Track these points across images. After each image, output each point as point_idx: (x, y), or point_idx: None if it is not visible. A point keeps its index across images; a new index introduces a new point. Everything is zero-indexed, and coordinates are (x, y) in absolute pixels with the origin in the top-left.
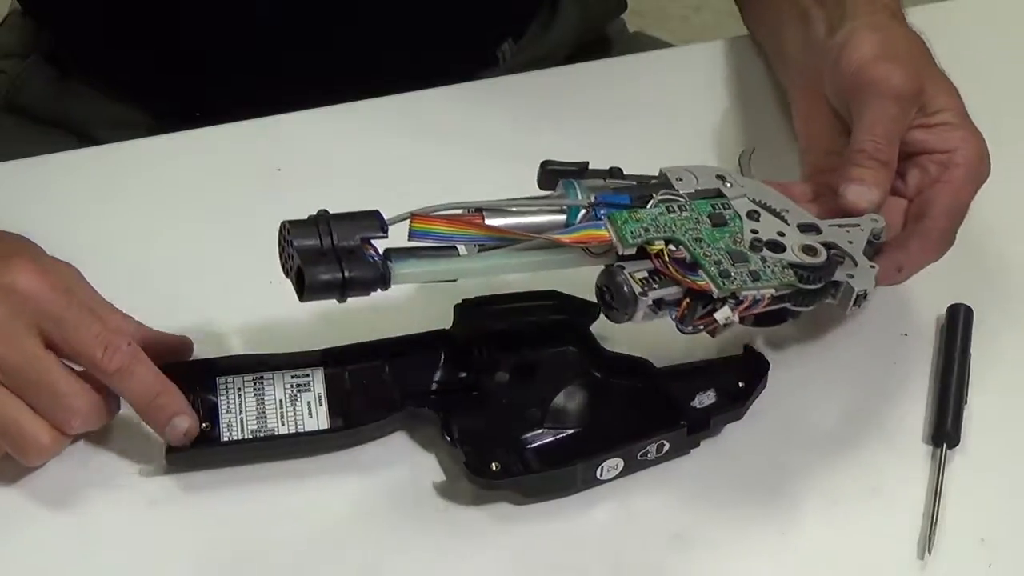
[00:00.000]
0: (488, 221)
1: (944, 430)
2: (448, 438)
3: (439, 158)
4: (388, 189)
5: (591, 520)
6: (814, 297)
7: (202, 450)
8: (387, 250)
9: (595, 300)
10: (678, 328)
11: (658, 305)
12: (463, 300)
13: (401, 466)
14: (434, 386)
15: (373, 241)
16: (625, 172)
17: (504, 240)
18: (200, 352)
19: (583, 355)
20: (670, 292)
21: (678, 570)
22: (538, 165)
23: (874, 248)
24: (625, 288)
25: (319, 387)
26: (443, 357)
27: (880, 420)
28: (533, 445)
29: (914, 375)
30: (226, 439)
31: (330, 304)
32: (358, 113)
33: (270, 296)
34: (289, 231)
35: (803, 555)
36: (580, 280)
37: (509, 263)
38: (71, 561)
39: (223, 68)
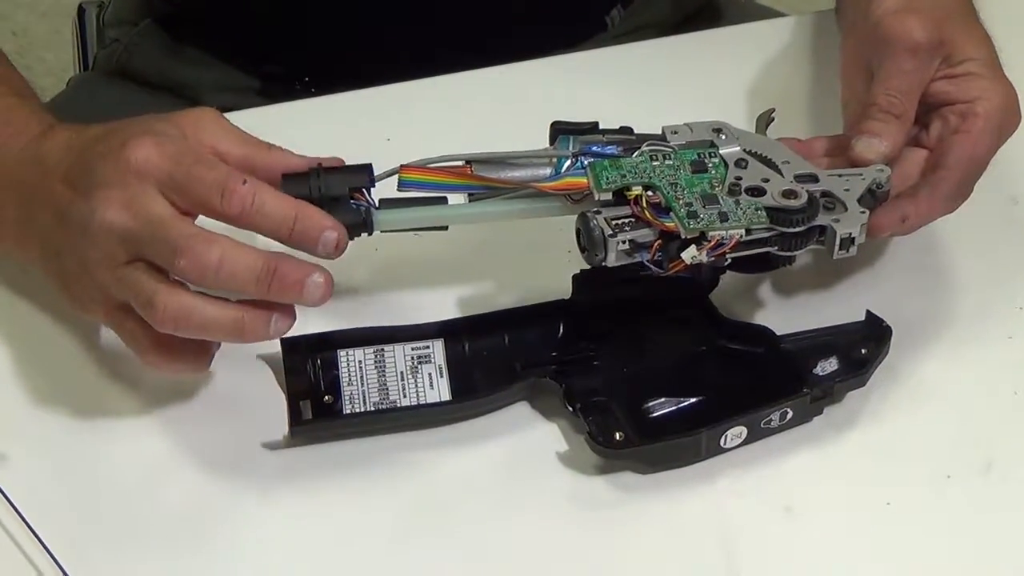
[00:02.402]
0: (476, 171)
1: None
2: (570, 408)
3: (544, 129)
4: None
5: (714, 489)
6: (798, 241)
7: (324, 423)
8: (381, 200)
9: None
10: (653, 271)
11: (632, 247)
12: (581, 270)
13: (523, 436)
14: (554, 356)
15: (370, 190)
16: (636, 131)
17: (492, 190)
18: (315, 327)
19: (703, 323)
20: (641, 234)
21: (792, 544)
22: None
23: (877, 197)
24: (596, 231)
25: (440, 359)
26: (562, 327)
27: (1000, 394)
28: (656, 414)
29: None
30: (348, 411)
31: (446, 277)
32: (466, 84)
33: (381, 267)
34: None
35: (913, 532)
36: None
37: (494, 211)
38: (197, 532)
39: (327, 39)
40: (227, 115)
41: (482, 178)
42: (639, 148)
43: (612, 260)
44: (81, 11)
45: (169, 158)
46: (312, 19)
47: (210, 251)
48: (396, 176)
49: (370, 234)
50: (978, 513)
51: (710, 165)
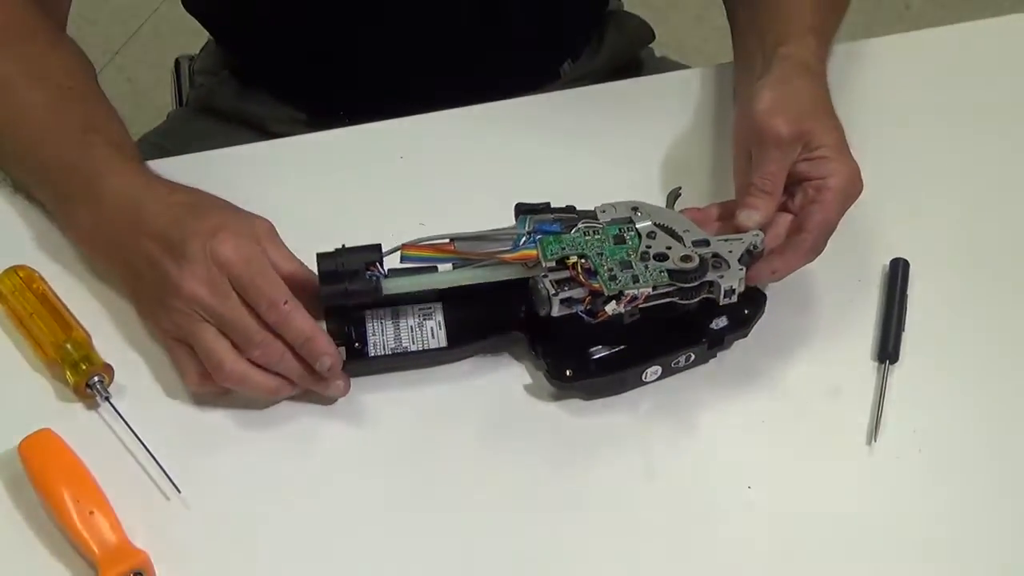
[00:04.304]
0: (457, 247)
1: (887, 350)
2: (534, 352)
3: (519, 154)
4: (482, 169)
5: (637, 411)
6: (693, 293)
7: (355, 363)
8: (390, 269)
9: None
10: (586, 319)
11: (569, 302)
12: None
13: (499, 373)
14: (522, 315)
15: (381, 263)
16: (578, 208)
17: (469, 260)
18: None
19: None
20: (576, 292)
21: (694, 450)
22: (596, 163)
23: (753, 256)
24: (543, 291)
25: (439, 316)
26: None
27: (841, 342)
28: (596, 357)
29: (866, 308)
30: (372, 354)
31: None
32: (461, 117)
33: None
34: (318, 258)
35: (779, 439)
36: None
37: (471, 275)
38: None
39: (365, 83)
40: (285, 140)
41: (462, 252)
42: (576, 225)
43: (555, 311)
44: (177, 63)
45: (243, 261)
46: (358, 66)
47: (275, 351)
48: (399, 252)
49: (379, 297)
50: (829, 426)
51: (627, 237)
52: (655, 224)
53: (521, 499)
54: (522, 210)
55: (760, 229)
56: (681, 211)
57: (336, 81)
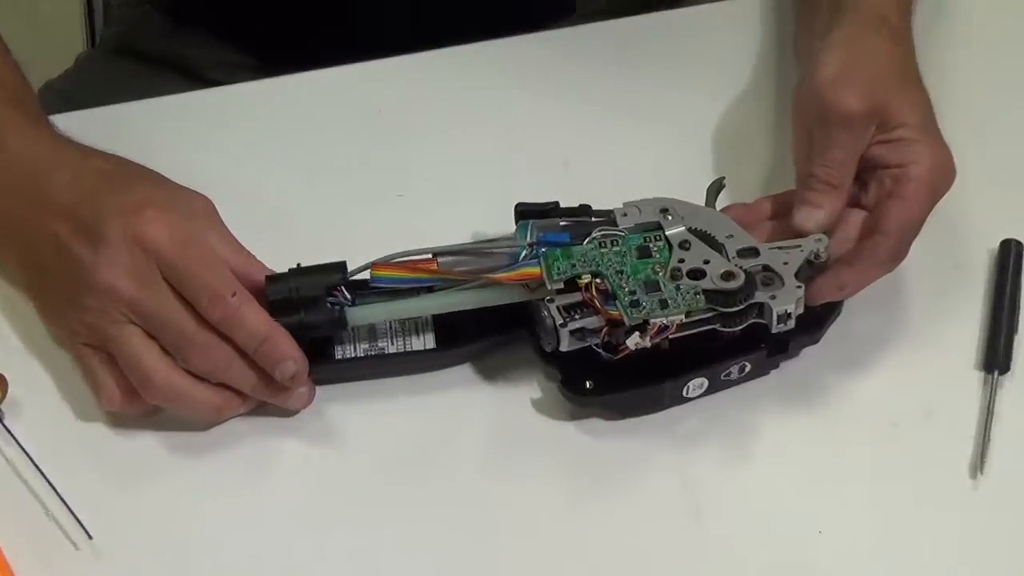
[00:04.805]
0: (441, 263)
1: (996, 357)
2: (544, 358)
3: (520, 102)
4: (476, 130)
5: (676, 436)
6: (738, 319)
7: (320, 368)
8: (356, 293)
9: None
10: (604, 356)
11: (581, 334)
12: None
13: (500, 384)
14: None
15: (346, 288)
16: (594, 208)
17: (456, 281)
18: None
19: None
20: (590, 321)
21: (749, 490)
22: (616, 126)
23: (816, 267)
24: (548, 320)
25: None
26: None
27: (936, 347)
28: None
29: (968, 304)
30: (340, 356)
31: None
32: (448, 59)
33: (373, 231)
34: (268, 283)
35: (857, 473)
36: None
37: (458, 300)
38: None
39: (319, 19)
40: (226, 88)
41: (447, 272)
42: (591, 234)
43: (565, 346)
44: None
45: (178, 245)
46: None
47: (221, 357)
48: (368, 271)
49: (345, 330)
50: (922, 456)
51: (654, 250)
52: (690, 230)
53: (529, 543)
54: (524, 213)
55: (824, 232)
56: (723, 209)
57: (294, 14)
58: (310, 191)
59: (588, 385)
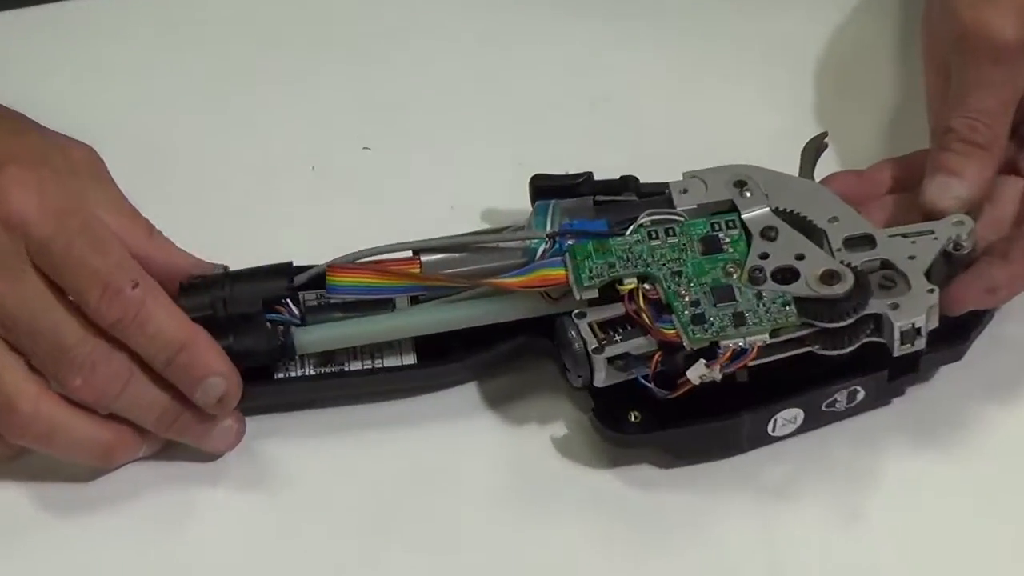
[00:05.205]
0: (425, 263)
1: None
2: (570, 380)
3: (541, 19)
4: (479, 57)
5: (759, 490)
6: (845, 338)
7: (255, 389)
8: (306, 308)
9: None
10: (657, 393)
11: (624, 363)
12: None
13: (510, 413)
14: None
15: (292, 301)
16: (640, 181)
17: (447, 289)
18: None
19: None
20: (636, 345)
21: (859, 559)
22: (670, 38)
23: (956, 261)
24: (575, 344)
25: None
26: None
27: None
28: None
29: None
30: (281, 376)
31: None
32: None
33: (317, 187)
34: (181, 294)
35: (1018, 534)
36: None
37: (450, 317)
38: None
39: None
40: None
41: (433, 277)
42: (636, 219)
43: (601, 380)
44: None
45: (52, 217)
46: None
47: (115, 379)
48: (324, 276)
49: (292, 359)
50: None
51: (726, 241)
52: (776, 211)
53: None
54: (543, 190)
55: (967, 212)
56: (824, 180)
57: None
58: (233, 140)
59: (633, 418)
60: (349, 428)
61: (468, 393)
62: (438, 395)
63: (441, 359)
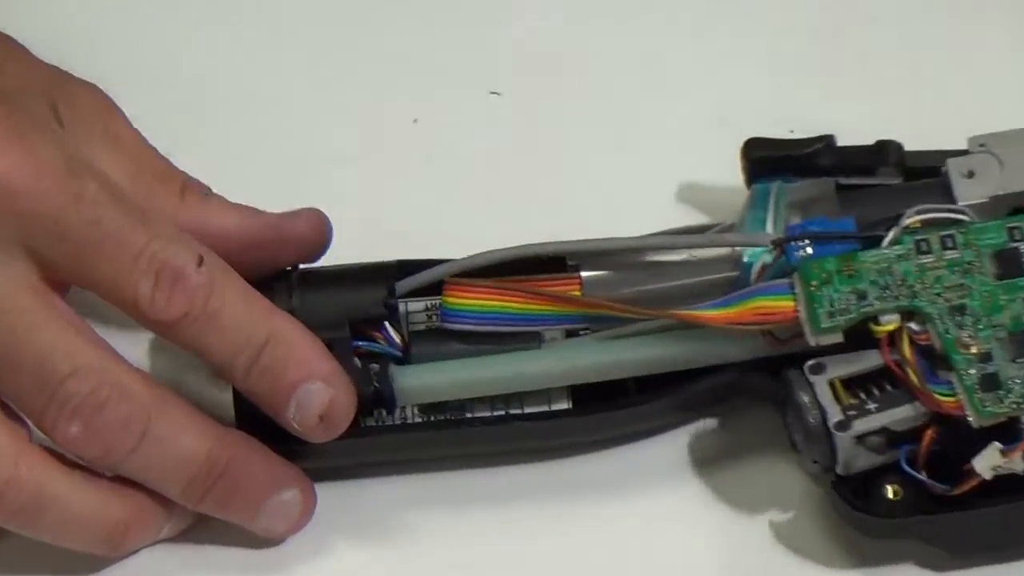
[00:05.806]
0: (587, 281)
1: None
2: (793, 438)
3: None
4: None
5: None
6: None
7: (330, 443)
8: (412, 334)
9: None
10: (933, 488)
11: (880, 441)
12: None
13: (710, 482)
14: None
15: (391, 327)
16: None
17: (614, 318)
18: None
19: None
20: (897, 416)
21: None
22: None
23: None
24: (809, 413)
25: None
26: None
27: None
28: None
29: None
30: (371, 424)
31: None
32: None
33: (421, 145)
34: None
35: None
36: None
37: (626, 359)
38: None
39: None
40: None
41: (599, 303)
42: (899, 221)
43: (846, 466)
44: None
45: (58, 183)
46: None
47: (129, 424)
48: (441, 298)
49: (390, 412)
50: None
51: None
52: None
53: None
54: (762, 162)
55: None
56: None
57: None
58: (299, 80)
59: (892, 493)
60: (472, 502)
61: (646, 453)
62: (603, 455)
63: (607, 404)
